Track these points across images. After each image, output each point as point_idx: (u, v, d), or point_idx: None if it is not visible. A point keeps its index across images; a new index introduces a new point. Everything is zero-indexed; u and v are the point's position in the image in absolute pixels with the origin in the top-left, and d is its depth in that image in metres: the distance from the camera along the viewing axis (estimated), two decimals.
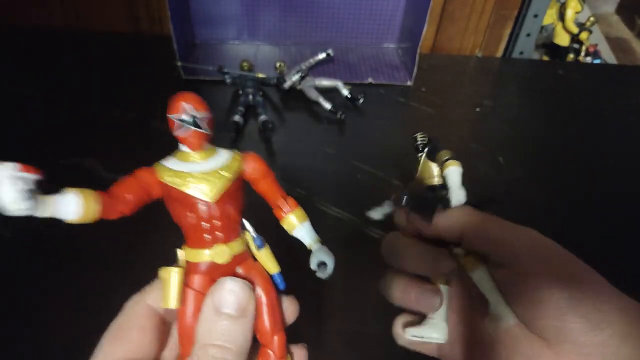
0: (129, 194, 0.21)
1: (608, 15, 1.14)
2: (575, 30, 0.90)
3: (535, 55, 0.93)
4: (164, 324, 0.23)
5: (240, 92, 0.63)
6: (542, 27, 0.89)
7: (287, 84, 0.65)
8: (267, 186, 0.23)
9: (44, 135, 0.57)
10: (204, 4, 0.73)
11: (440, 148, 0.30)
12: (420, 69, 0.70)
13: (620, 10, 1.14)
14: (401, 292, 0.28)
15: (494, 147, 0.61)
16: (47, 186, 0.20)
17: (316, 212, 0.48)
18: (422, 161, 0.30)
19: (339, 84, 0.66)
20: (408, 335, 0.27)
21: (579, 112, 0.70)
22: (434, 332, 0.27)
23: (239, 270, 0.22)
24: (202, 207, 0.21)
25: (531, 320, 0.22)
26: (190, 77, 0.67)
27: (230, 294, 0.20)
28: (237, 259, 0.22)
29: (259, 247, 0.23)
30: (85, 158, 0.53)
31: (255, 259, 0.23)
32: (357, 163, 0.56)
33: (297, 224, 0.23)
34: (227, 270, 0.22)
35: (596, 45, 0.94)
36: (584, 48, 0.93)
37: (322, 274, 0.23)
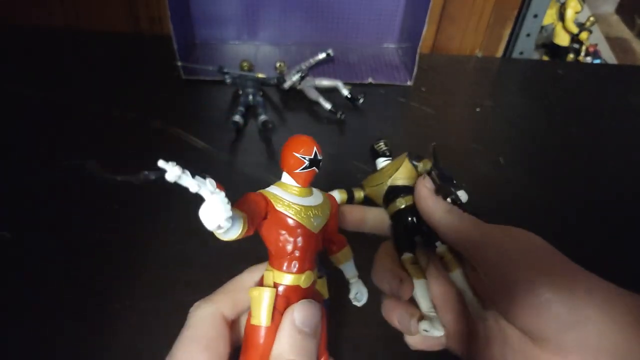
0: (255, 217, 0.22)
1: (608, 15, 1.14)
2: (575, 30, 0.90)
3: (535, 55, 0.93)
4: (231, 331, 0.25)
5: (240, 92, 0.63)
6: (542, 27, 0.89)
7: (287, 84, 0.65)
8: (332, 225, 0.26)
9: (44, 135, 0.57)
10: (204, 4, 0.73)
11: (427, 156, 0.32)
12: (420, 69, 0.70)
13: (620, 10, 1.14)
14: (387, 313, 0.29)
15: (494, 147, 0.61)
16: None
17: None
18: (403, 162, 0.31)
19: (339, 84, 0.66)
20: (420, 328, 0.27)
21: (579, 112, 0.70)
22: (433, 326, 0.27)
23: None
24: (306, 237, 0.23)
25: (514, 318, 0.22)
26: (190, 77, 0.67)
27: (311, 315, 0.22)
28: (313, 285, 0.24)
29: (320, 276, 0.25)
30: (85, 158, 0.53)
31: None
32: (357, 163, 0.56)
33: (344, 261, 0.28)
34: (306, 293, 0.24)
35: (596, 45, 0.94)
36: (584, 48, 0.93)
37: (358, 303, 0.29)
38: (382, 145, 0.33)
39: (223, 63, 0.65)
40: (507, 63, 0.84)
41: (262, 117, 0.58)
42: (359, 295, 0.29)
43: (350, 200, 0.32)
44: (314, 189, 0.25)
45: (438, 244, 0.28)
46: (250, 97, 0.62)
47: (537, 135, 0.65)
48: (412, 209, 0.29)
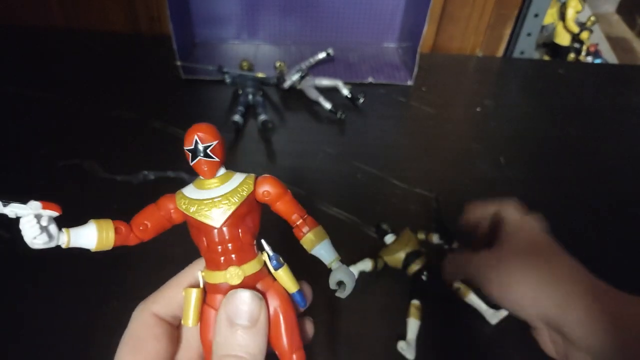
0: (148, 221, 0.23)
1: (609, 14, 1.14)
2: (576, 29, 0.90)
3: (536, 55, 0.93)
4: (174, 329, 0.24)
5: (240, 91, 0.63)
6: (543, 27, 0.89)
7: (287, 84, 0.65)
8: (283, 207, 0.23)
9: (43, 135, 0.57)
10: (204, 4, 0.73)
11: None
12: (421, 68, 0.70)
13: (621, 9, 1.14)
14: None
15: (495, 147, 0.61)
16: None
17: (316, 212, 0.48)
18: (408, 235, 0.43)
19: (339, 83, 0.66)
20: (399, 346, 0.38)
21: (580, 112, 0.70)
22: (408, 350, 0.38)
23: (260, 288, 0.23)
24: (212, 232, 0.22)
25: (509, 305, 0.31)
26: (190, 77, 0.67)
27: (242, 304, 0.21)
28: (252, 279, 0.22)
29: (275, 267, 0.23)
30: (84, 158, 0.53)
31: (274, 279, 0.23)
32: (357, 163, 0.56)
33: (316, 243, 0.23)
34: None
35: (597, 44, 0.94)
36: (584, 47, 0.92)
37: (341, 294, 0.23)
38: (386, 227, 0.44)
39: (223, 63, 0.65)
40: (508, 62, 0.84)
41: (262, 117, 0.58)
42: (342, 285, 0.23)
43: (375, 268, 0.42)
44: (237, 176, 0.23)
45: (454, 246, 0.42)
46: (250, 96, 0.62)
47: (538, 135, 0.64)
48: (422, 268, 0.41)
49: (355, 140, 0.60)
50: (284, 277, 0.23)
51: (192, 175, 0.52)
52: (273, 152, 0.57)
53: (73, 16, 0.78)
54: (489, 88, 0.75)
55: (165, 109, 0.62)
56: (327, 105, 0.62)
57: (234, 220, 0.22)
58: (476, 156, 0.59)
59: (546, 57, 0.95)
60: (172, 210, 0.23)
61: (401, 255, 0.41)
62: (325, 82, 0.66)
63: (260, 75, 0.63)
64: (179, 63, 0.65)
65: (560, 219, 0.52)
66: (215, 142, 0.21)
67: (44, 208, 0.21)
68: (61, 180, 0.50)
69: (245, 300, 0.21)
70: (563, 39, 0.92)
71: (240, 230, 0.22)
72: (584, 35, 0.91)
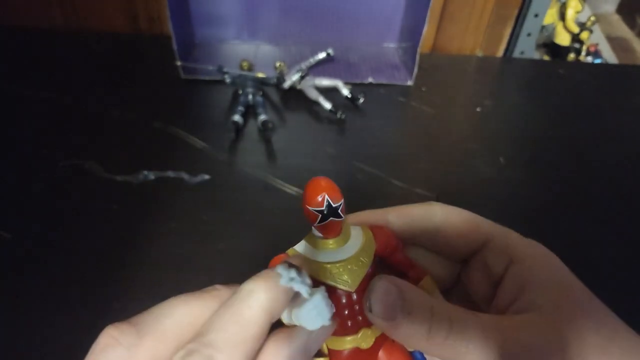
0: None
1: (609, 14, 1.14)
2: (576, 29, 0.90)
3: (536, 55, 0.93)
4: None
5: (240, 91, 0.63)
6: (543, 27, 0.89)
7: (287, 84, 0.65)
8: (397, 260, 0.23)
9: (44, 136, 0.57)
10: (204, 4, 0.73)
11: None
12: (421, 68, 0.70)
13: (621, 9, 1.14)
14: None
15: (495, 147, 0.61)
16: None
17: None
18: None
19: (339, 83, 0.66)
20: None
21: (580, 112, 0.70)
22: None
23: (381, 353, 0.21)
24: (345, 297, 0.20)
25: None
26: (190, 77, 0.67)
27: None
28: (379, 341, 0.21)
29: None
30: (84, 158, 0.53)
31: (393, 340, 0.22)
32: (357, 163, 0.56)
33: (430, 291, 0.23)
34: (370, 354, 0.21)
35: (597, 44, 0.94)
36: (584, 47, 0.93)
37: None
38: None
39: (223, 63, 0.65)
40: (508, 63, 0.84)
41: (262, 117, 0.58)
42: None
43: None
44: (353, 230, 0.22)
45: None
46: (250, 96, 0.62)
47: (538, 135, 0.65)
48: None
49: (355, 140, 0.61)
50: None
51: (192, 175, 0.52)
52: (273, 151, 0.57)
53: (73, 16, 0.78)
54: (488, 88, 0.75)
55: (165, 109, 0.62)
56: (327, 105, 0.62)
57: (366, 280, 0.20)
58: (476, 156, 0.59)
59: (546, 57, 0.95)
60: None
61: None
62: (325, 82, 0.66)
63: (260, 75, 0.63)
64: (178, 63, 0.65)
65: (560, 219, 0.52)
66: (342, 200, 0.20)
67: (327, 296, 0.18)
68: (62, 180, 0.51)
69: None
70: (563, 39, 0.92)
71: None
72: (584, 35, 0.91)
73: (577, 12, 0.90)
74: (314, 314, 0.18)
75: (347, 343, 0.20)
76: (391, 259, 0.23)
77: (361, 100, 0.65)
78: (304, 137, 0.60)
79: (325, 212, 0.20)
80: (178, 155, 0.55)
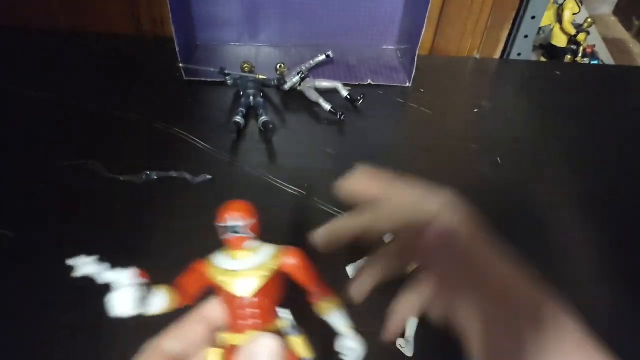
0: (191, 289, 0.25)
1: (605, 16, 1.14)
2: (572, 31, 0.91)
3: (533, 57, 0.94)
4: None
5: (241, 93, 0.64)
6: (540, 29, 0.90)
7: (287, 85, 0.66)
8: (303, 279, 0.26)
9: (46, 136, 0.58)
10: (206, 6, 0.74)
11: None
12: (419, 70, 0.70)
13: (618, 11, 1.14)
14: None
15: (492, 148, 0.61)
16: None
17: (316, 212, 0.49)
18: None
19: (338, 85, 0.67)
20: (398, 342, 0.39)
21: (577, 113, 0.71)
22: (407, 347, 0.39)
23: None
24: (240, 301, 0.24)
25: None
26: (192, 79, 0.68)
27: (264, 348, 0.22)
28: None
29: (289, 334, 0.25)
30: (87, 158, 0.54)
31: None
32: (357, 163, 0.57)
33: (325, 313, 0.27)
34: None
35: (594, 46, 0.95)
36: (581, 49, 0.93)
37: (344, 358, 0.26)
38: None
39: (224, 64, 0.65)
40: (505, 64, 0.85)
41: (263, 118, 0.59)
42: (352, 353, 0.27)
43: None
44: (265, 248, 0.25)
45: None
46: (251, 98, 0.63)
47: (535, 136, 0.65)
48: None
49: (354, 140, 0.61)
50: (299, 344, 0.25)
51: (193, 175, 0.53)
52: (274, 152, 0.58)
53: (76, 18, 0.79)
54: (486, 89, 0.76)
55: (168, 110, 0.63)
56: (327, 106, 0.63)
57: (262, 290, 0.24)
58: (474, 157, 0.60)
59: (543, 59, 0.96)
60: (207, 277, 0.24)
61: None
62: (325, 83, 0.67)
63: (261, 77, 0.64)
64: (180, 65, 0.66)
65: (559, 220, 0.53)
66: (248, 222, 0.24)
67: (139, 277, 0.23)
68: (66, 180, 0.51)
69: (267, 344, 0.22)
70: (560, 40, 0.93)
71: (264, 300, 0.24)
72: (581, 37, 0.92)
73: (574, 14, 0.90)
74: (118, 302, 0.23)
75: (237, 339, 0.23)
76: (297, 277, 0.25)
77: (360, 102, 0.66)
78: (304, 137, 0.61)
79: (226, 228, 0.23)
80: (180, 155, 0.56)
